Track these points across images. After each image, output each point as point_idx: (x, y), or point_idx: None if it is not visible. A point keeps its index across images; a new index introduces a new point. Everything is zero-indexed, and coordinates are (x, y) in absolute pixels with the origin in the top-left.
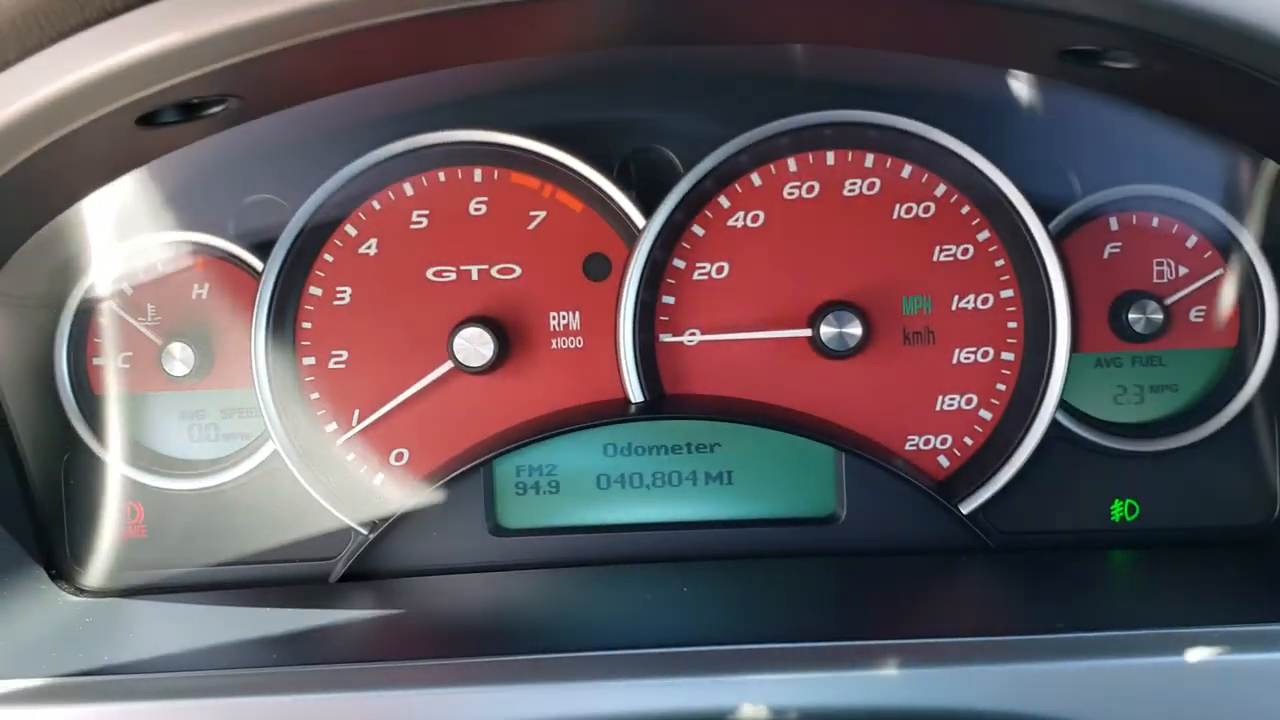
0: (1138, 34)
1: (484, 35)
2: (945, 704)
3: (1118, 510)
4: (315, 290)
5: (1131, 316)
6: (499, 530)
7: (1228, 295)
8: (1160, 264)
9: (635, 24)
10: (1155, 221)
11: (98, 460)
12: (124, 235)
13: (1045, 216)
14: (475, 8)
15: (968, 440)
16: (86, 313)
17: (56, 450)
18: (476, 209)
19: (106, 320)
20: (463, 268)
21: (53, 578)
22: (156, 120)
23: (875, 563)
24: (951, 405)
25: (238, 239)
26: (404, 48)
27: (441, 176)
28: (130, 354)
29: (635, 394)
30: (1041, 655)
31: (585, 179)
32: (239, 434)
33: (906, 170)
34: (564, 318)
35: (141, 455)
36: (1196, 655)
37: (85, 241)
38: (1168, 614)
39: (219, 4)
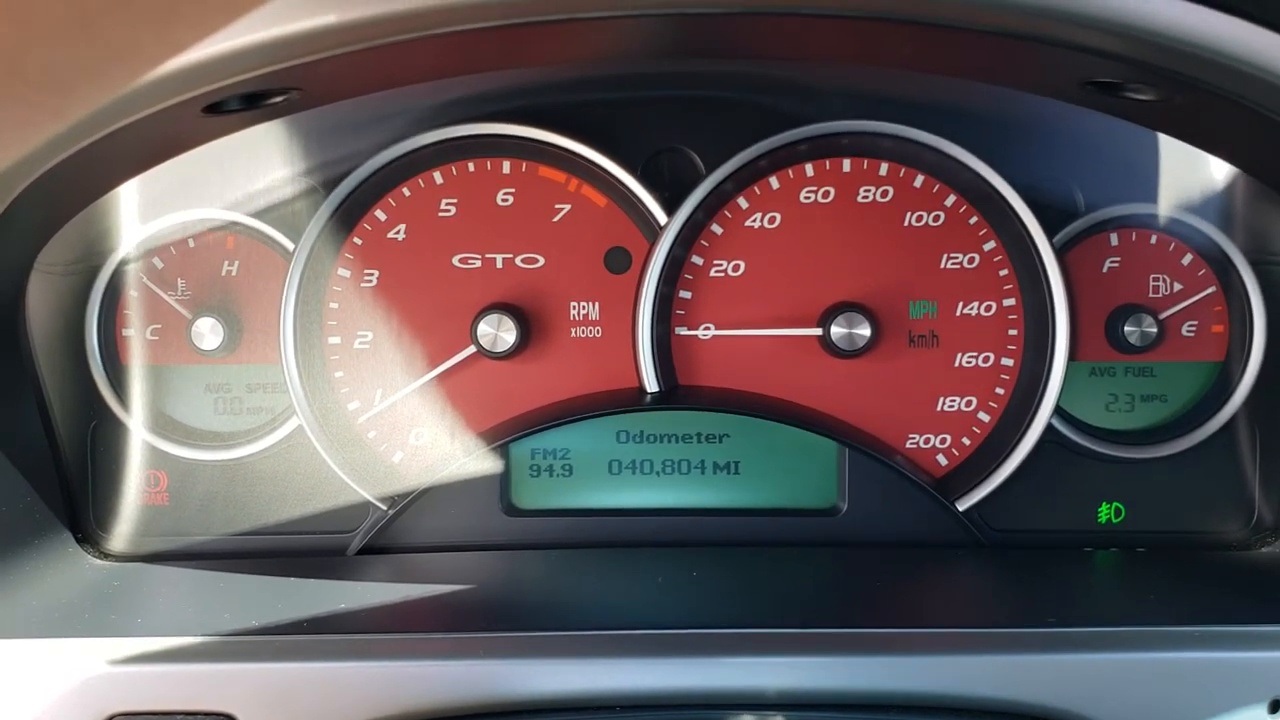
0: (1156, 70)
1: (527, 45)
2: (937, 690)
3: (1105, 513)
4: (343, 272)
5: (1127, 329)
6: (513, 510)
7: (1219, 312)
8: (1156, 279)
9: (677, 43)
10: (1153, 238)
11: (123, 428)
12: (158, 210)
13: (1049, 229)
14: (526, 24)
15: (966, 440)
16: (118, 284)
17: (84, 417)
18: (504, 200)
19: (137, 292)
20: (488, 256)
21: (79, 541)
22: (221, 109)
23: (873, 554)
24: (952, 407)
25: (270, 219)
26: (454, 53)
27: (471, 167)
28: (159, 326)
29: (651, 384)
30: (1030, 647)
31: (610, 175)
32: (263, 408)
33: (918, 180)
34: (584, 308)
35: (166, 425)
36: (1176, 652)
37: (119, 214)
38: (1150, 612)
39: (304, 6)
